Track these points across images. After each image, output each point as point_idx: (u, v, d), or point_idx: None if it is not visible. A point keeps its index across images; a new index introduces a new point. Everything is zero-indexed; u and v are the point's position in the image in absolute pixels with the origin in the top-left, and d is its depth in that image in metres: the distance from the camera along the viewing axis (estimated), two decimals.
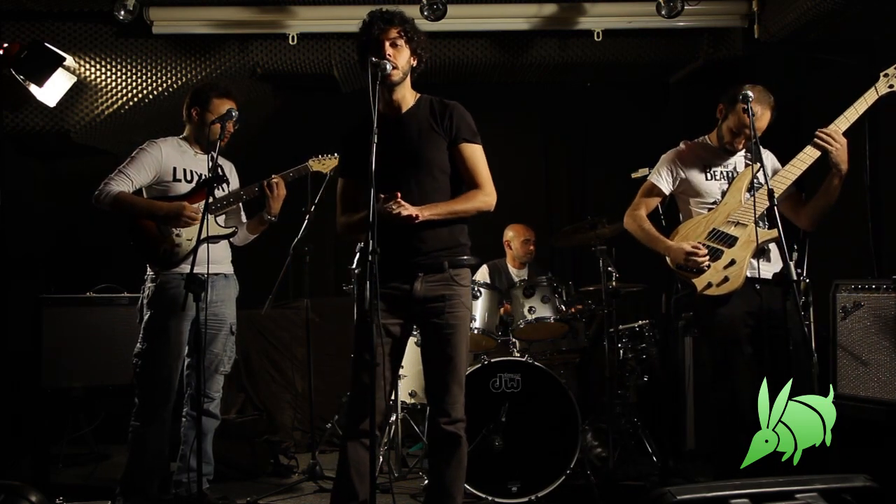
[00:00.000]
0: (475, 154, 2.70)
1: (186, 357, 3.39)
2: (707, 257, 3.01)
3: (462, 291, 2.67)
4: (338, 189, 2.80)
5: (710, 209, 3.14)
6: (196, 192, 3.38)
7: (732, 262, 3.01)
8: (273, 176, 3.45)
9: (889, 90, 2.95)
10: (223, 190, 3.51)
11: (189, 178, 3.42)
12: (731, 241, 3.04)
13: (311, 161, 3.57)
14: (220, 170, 3.48)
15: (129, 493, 3.29)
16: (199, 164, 3.46)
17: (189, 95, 3.50)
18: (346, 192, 2.77)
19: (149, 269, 3.39)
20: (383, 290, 2.51)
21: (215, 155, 3.21)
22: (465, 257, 2.68)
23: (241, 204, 3.59)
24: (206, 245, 3.26)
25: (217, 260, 3.38)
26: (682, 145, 3.27)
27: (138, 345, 3.33)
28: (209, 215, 3.33)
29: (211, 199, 3.33)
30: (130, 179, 3.31)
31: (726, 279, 3.00)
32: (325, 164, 3.58)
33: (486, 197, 2.67)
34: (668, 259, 3.12)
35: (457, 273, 2.66)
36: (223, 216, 3.49)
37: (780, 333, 2.88)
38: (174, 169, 3.39)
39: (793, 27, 4.24)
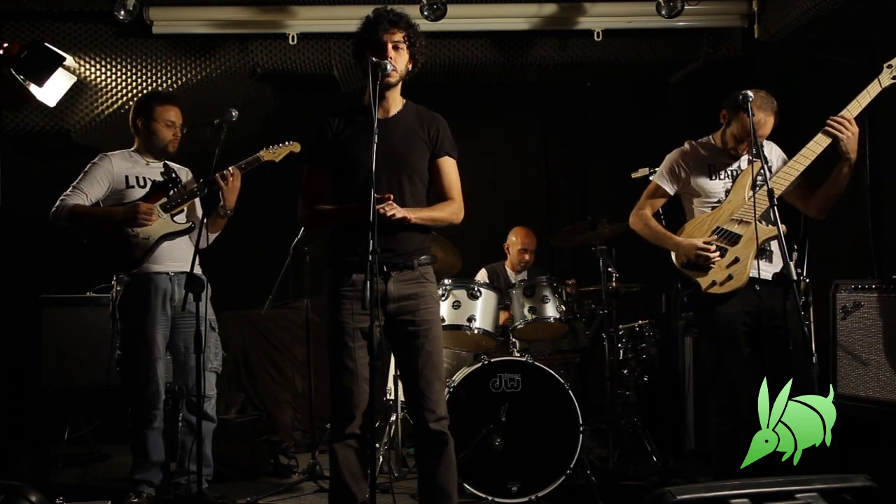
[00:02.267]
0: (453, 168, 2.77)
1: (171, 358, 3.45)
2: (717, 254, 3.01)
3: (432, 288, 2.72)
4: (303, 177, 2.77)
5: (714, 207, 3.13)
6: (150, 195, 3.44)
7: (736, 260, 3.01)
8: (228, 167, 3.44)
9: (893, 81, 2.93)
10: (176, 191, 3.54)
11: (142, 183, 3.47)
12: (735, 238, 3.03)
13: (262, 151, 3.55)
14: (173, 174, 3.52)
15: (139, 483, 3.37)
16: (151, 171, 3.51)
17: (132, 109, 3.58)
18: (312, 180, 2.75)
19: (113, 275, 3.45)
20: (357, 291, 2.54)
21: (217, 151, 3.21)
22: (429, 256, 2.74)
23: (198, 202, 3.61)
24: (170, 244, 3.36)
25: (181, 258, 3.43)
26: (686, 145, 3.26)
27: (118, 352, 3.40)
28: (164, 214, 3.41)
29: (165, 200, 3.42)
30: (85, 193, 3.38)
31: (730, 277, 3.00)
32: (276, 153, 3.56)
33: (460, 211, 2.75)
34: (673, 257, 3.11)
35: (426, 271, 2.71)
36: (182, 214, 3.51)
37: (780, 333, 2.88)
38: (126, 178, 3.45)
39: (793, 27, 4.24)
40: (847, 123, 2.92)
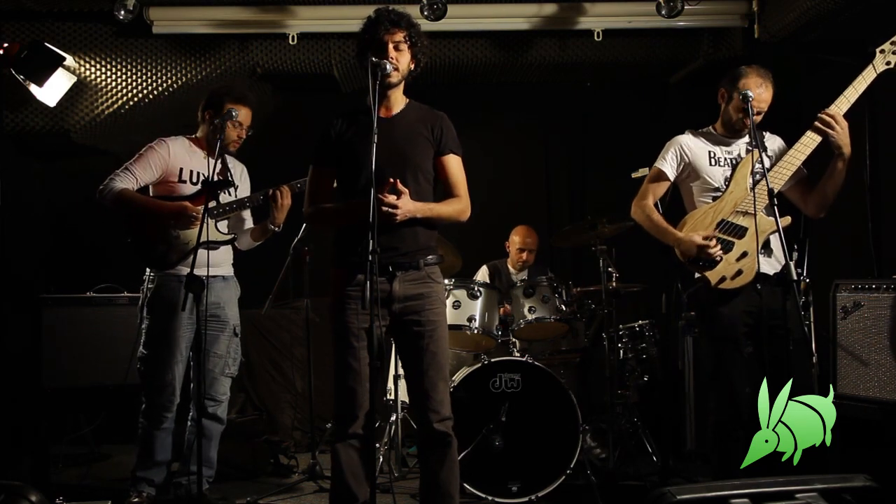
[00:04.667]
0: (458, 165, 2.76)
1: (191, 360, 3.40)
2: (720, 249, 2.97)
3: (438, 289, 2.71)
4: (309, 177, 2.79)
5: (714, 196, 3.08)
6: (199, 194, 3.36)
7: (745, 254, 2.96)
8: (281, 186, 3.41)
9: (887, 67, 2.91)
10: (229, 195, 3.48)
11: (195, 180, 3.42)
12: (741, 231, 2.98)
13: None
14: (228, 174, 3.47)
15: (140, 481, 3.37)
16: (207, 166, 3.45)
17: (205, 97, 3.51)
18: (317, 180, 2.77)
19: (147, 269, 3.40)
20: (361, 291, 2.52)
21: (215, 162, 3.20)
22: (436, 256, 2.73)
23: (247, 212, 3.59)
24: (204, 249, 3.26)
25: (216, 262, 3.36)
26: (686, 132, 3.24)
27: (141, 349, 3.37)
28: (210, 220, 3.34)
29: (214, 204, 3.34)
30: (135, 177, 3.33)
31: (740, 272, 2.95)
32: None
33: (465, 208, 2.75)
34: (677, 252, 3.05)
35: (432, 270, 2.70)
36: (225, 222, 3.48)
37: (781, 333, 2.87)
38: (181, 170, 3.40)
39: (793, 27, 4.24)
40: (836, 120, 2.90)
